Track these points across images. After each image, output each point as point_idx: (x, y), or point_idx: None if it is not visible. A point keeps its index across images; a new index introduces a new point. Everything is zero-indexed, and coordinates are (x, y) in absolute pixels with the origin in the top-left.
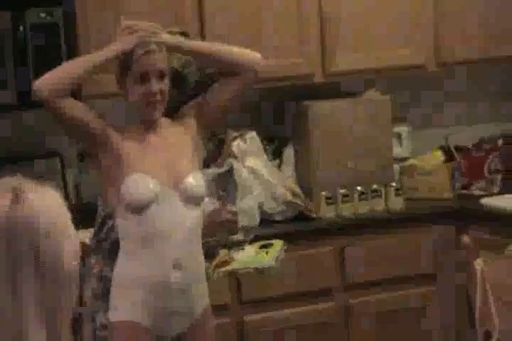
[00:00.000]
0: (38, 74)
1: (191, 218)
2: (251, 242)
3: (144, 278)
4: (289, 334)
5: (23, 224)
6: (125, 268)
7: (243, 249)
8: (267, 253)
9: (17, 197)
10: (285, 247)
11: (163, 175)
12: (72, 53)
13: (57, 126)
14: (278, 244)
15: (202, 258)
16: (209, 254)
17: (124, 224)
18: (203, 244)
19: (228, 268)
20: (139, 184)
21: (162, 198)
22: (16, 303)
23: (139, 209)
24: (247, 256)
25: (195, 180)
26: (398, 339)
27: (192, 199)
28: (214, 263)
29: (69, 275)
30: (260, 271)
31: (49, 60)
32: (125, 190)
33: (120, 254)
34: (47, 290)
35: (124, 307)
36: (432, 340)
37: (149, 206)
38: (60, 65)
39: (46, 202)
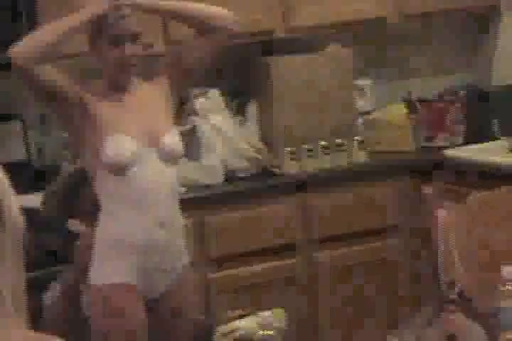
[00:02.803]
0: None
1: (171, 176)
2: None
3: (130, 238)
4: (255, 290)
5: None
6: (109, 228)
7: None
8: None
9: None
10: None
11: (140, 135)
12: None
13: (19, 89)
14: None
15: (181, 215)
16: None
17: (106, 186)
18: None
19: (236, 334)
20: (119, 145)
21: (142, 158)
22: None
23: (120, 170)
24: (251, 323)
25: (172, 138)
26: (363, 291)
27: (171, 157)
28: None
29: (18, 230)
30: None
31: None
32: (105, 153)
33: (102, 216)
34: (4, 244)
35: (110, 268)
36: (398, 291)
37: (131, 166)
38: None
39: None
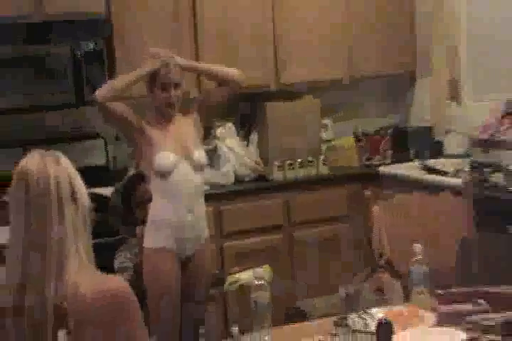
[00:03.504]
0: (88, 83)
1: (198, 179)
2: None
3: (169, 219)
4: (252, 255)
5: (63, 177)
6: (156, 212)
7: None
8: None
9: (57, 161)
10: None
11: (179, 151)
12: (111, 70)
13: (101, 119)
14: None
15: (203, 205)
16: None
17: (155, 185)
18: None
19: (238, 283)
20: (164, 159)
21: (179, 167)
22: (62, 227)
23: (164, 175)
24: (249, 276)
25: (199, 154)
26: (324, 258)
27: (198, 167)
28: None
29: (86, 207)
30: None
31: (94, 75)
32: (155, 163)
33: (152, 205)
34: (77, 217)
35: (155, 237)
36: (347, 258)
37: (171, 173)
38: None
39: (69, 164)
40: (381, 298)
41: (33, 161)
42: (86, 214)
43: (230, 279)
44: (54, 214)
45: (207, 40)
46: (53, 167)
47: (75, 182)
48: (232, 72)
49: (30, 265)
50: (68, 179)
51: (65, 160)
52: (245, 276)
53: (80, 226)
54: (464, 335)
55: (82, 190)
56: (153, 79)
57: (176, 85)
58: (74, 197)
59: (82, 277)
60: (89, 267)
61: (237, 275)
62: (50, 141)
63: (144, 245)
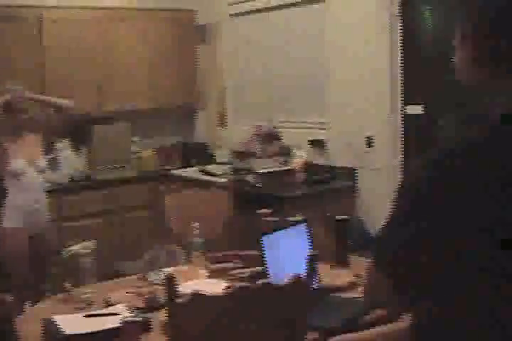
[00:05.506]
0: None
1: (41, 178)
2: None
3: (21, 207)
4: (82, 234)
5: None
6: (12, 203)
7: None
8: None
9: None
10: None
11: (27, 158)
12: None
13: None
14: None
15: (44, 197)
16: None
17: (10, 184)
18: None
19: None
20: (17, 164)
21: (27, 170)
22: None
23: (17, 176)
24: (78, 247)
25: (41, 161)
26: (136, 235)
27: (41, 170)
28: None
29: None
30: None
31: None
32: (12, 167)
33: (8, 198)
34: None
35: (7, 220)
36: (155, 233)
37: (22, 174)
38: None
39: None
40: (172, 260)
41: None
42: None
43: (65, 250)
44: None
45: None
46: None
47: None
48: (65, 102)
49: None
50: None
51: None
52: (76, 248)
53: None
54: (225, 284)
55: None
56: (7, 106)
57: (24, 110)
58: None
59: None
60: None
61: (70, 248)
62: None
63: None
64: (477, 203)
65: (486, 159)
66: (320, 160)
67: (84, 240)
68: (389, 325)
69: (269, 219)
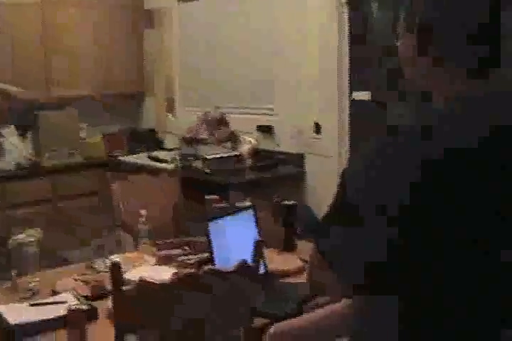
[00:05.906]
0: None
1: None
2: None
3: None
4: (28, 221)
5: None
6: None
7: None
8: None
9: None
10: None
11: None
12: None
13: None
14: None
15: None
16: None
17: None
18: None
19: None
20: None
21: None
22: None
23: None
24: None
25: None
26: (84, 222)
27: None
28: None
29: None
30: None
31: None
32: None
33: None
34: None
35: None
36: (102, 221)
37: None
38: None
39: None
40: (120, 247)
41: None
42: None
43: (13, 239)
44: None
45: None
46: None
47: None
48: (13, 89)
49: None
50: None
51: None
52: (22, 236)
53: None
54: (173, 270)
55: None
56: None
57: None
58: None
59: None
60: None
61: (16, 236)
62: None
63: None
64: (415, 191)
65: (428, 147)
66: (268, 146)
67: (29, 228)
68: (331, 306)
69: (217, 205)
